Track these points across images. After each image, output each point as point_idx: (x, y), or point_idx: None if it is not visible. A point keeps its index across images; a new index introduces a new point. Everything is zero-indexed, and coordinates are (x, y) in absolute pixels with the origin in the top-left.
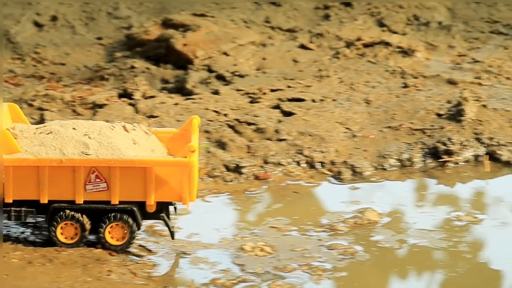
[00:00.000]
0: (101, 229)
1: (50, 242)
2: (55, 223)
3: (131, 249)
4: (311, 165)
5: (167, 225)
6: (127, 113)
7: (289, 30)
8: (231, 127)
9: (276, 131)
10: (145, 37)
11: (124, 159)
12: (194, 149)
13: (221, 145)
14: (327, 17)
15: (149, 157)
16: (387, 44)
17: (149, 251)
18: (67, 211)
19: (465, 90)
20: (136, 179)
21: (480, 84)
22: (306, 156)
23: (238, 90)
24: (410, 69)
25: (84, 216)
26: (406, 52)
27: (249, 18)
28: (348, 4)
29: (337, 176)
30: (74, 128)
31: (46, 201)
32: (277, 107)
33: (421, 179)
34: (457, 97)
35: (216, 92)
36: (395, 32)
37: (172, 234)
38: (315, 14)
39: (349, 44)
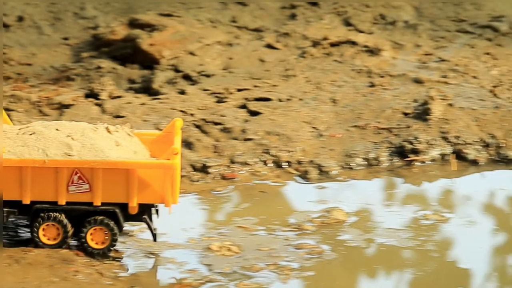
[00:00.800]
0: (82, 233)
1: (17, 242)
2: (37, 224)
3: None
4: (277, 164)
5: (149, 227)
6: (94, 113)
7: (255, 30)
8: (197, 126)
9: (243, 131)
10: (112, 37)
11: (107, 160)
12: (177, 151)
13: (188, 144)
14: (293, 16)
15: (132, 159)
16: (353, 43)
17: (116, 251)
18: (50, 212)
19: (432, 89)
20: (118, 181)
21: (446, 83)
22: (272, 156)
23: (204, 90)
24: (376, 68)
25: (66, 217)
26: (372, 51)
27: (216, 17)
28: (314, 4)
29: (304, 176)
30: (57, 129)
31: (28, 202)
32: (243, 106)
33: (388, 178)
34: (423, 96)
35: (182, 92)
36: (361, 31)
37: (154, 237)
38: (282, 13)
39: (315, 44)
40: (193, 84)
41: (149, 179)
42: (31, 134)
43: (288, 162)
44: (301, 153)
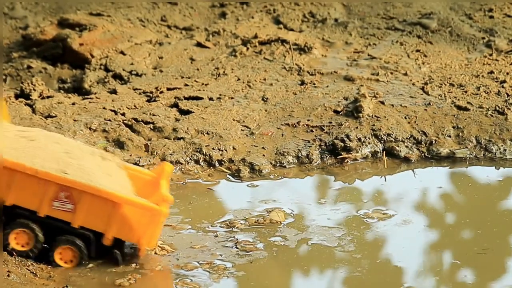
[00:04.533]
0: (52, 247)
1: None
2: (8, 229)
3: None
4: (209, 163)
5: (116, 260)
6: (25, 113)
7: (185, 29)
8: (128, 126)
9: (174, 130)
10: (42, 37)
11: (99, 188)
12: (170, 200)
13: (119, 144)
14: (223, 15)
15: (124, 194)
16: (283, 41)
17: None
18: (26, 220)
19: (362, 86)
20: (103, 210)
21: (377, 80)
22: (204, 155)
23: (135, 89)
24: (307, 66)
25: (41, 228)
26: (302, 49)
27: (145, 17)
28: (244, 2)
29: (236, 174)
30: (57, 143)
31: (11, 204)
32: (174, 105)
33: (320, 176)
34: (354, 93)
35: (113, 92)
36: (291, 30)
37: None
38: (212, 12)
39: (245, 42)
40: (123, 84)
41: (133, 217)
42: (31, 140)
43: (220, 160)
44: (232, 152)
